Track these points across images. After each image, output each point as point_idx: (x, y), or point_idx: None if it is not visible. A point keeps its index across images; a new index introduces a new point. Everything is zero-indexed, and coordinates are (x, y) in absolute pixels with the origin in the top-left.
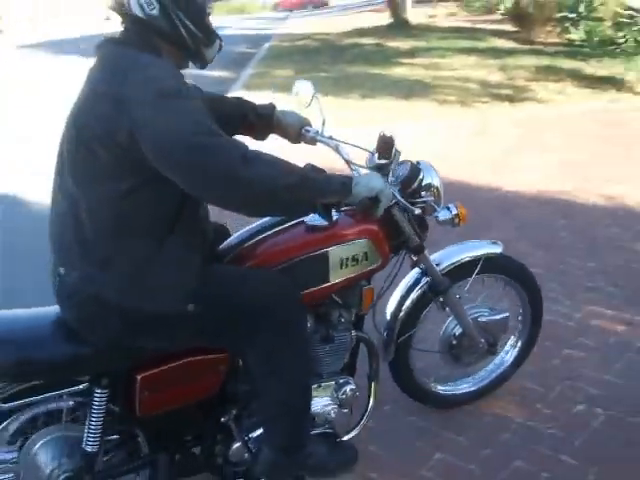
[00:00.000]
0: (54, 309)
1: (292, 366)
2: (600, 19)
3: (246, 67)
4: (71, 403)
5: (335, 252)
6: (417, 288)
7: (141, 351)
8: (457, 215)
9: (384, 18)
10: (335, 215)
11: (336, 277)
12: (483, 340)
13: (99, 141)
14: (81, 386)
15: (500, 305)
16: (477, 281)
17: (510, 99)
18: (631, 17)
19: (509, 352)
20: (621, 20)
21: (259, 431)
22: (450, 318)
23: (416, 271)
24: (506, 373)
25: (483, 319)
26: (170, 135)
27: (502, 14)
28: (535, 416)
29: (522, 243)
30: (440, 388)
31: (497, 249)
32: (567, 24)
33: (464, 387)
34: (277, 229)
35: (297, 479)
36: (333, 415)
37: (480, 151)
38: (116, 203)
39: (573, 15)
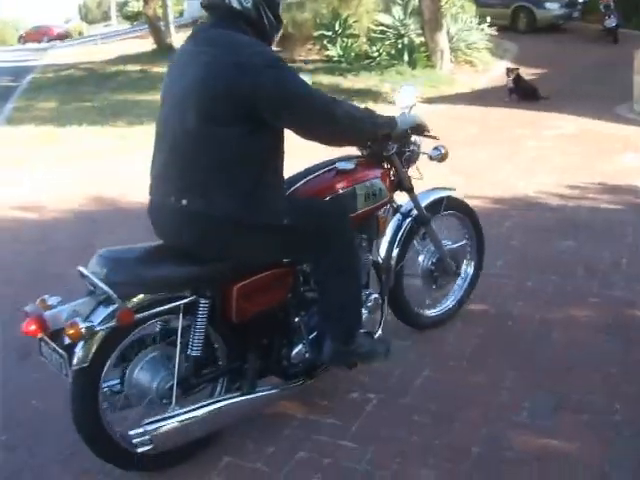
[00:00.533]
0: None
1: (353, 273)
2: (355, 35)
3: (8, 100)
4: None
5: (360, 188)
6: (405, 224)
7: (237, 265)
8: (444, 154)
9: (148, 44)
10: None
11: (362, 207)
12: (453, 263)
13: (222, 95)
14: (191, 298)
15: (457, 236)
16: (439, 218)
17: None
18: (383, 32)
19: (467, 274)
20: (374, 35)
21: (313, 335)
22: (425, 250)
23: (400, 213)
24: (467, 291)
25: (449, 247)
26: (284, 92)
27: None
28: (314, 409)
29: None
30: (429, 313)
31: (453, 191)
32: (325, 41)
33: (445, 307)
34: (318, 173)
35: (351, 366)
36: (365, 318)
37: None
38: (239, 141)
39: (330, 33)
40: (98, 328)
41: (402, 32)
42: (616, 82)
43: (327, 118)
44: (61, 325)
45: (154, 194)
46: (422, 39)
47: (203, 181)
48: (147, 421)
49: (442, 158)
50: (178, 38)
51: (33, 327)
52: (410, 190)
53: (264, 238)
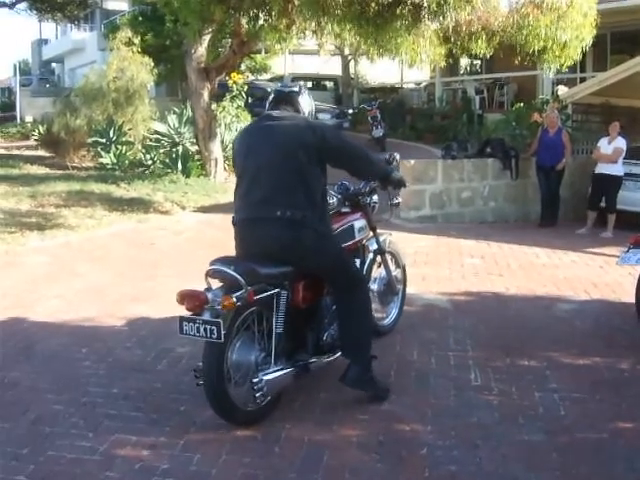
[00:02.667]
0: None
1: (367, 313)
2: (130, 143)
3: None
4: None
5: (355, 224)
6: (370, 255)
7: (303, 267)
8: (400, 202)
9: None
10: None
11: (358, 237)
12: (396, 285)
13: (302, 145)
14: (277, 290)
15: (392, 266)
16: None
17: (40, 227)
18: (158, 140)
19: (399, 292)
20: (149, 144)
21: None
22: (377, 276)
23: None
24: (401, 305)
25: (392, 273)
26: (339, 145)
27: (36, 140)
28: None
29: (44, 379)
30: (383, 323)
31: (389, 235)
32: (99, 148)
33: (392, 316)
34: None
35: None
36: None
37: (5, 285)
38: (317, 175)
39: (104, 140)
40: (238, 303)
41: (177, 140)
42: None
43: (364, 162)
44: (210, 302)
45: (253, 213)
46: (197, 147)
47: (300, 200)
48: (262, 373)
49: (398, 205)
50: None
51: (197, 303)
52: (374, 229)
53: (326, 243)
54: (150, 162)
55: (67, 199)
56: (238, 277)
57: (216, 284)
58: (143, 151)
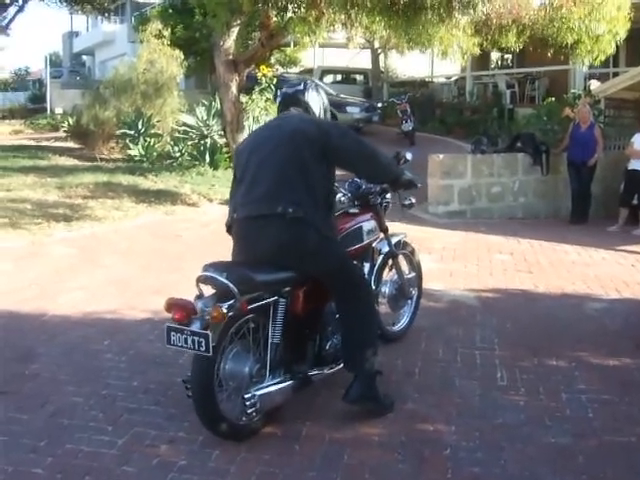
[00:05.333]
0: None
1: (371, 324)
2: (159, 135)
3: None
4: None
5: (364, 225)
6: (380, 257)
7: (304, 272)
8: (413, 203)
9: None
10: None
11: (365, 240)
12: (410, 289)
13: (306, 143)
14: (274, 298)
15: (407, 269)
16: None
17: (66, 218)
18: (186, 133)
19: (413, 296)
20: (177, 136)
21: (339, 335)
22: (389, 280)
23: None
24: (415, 311)
25: (406, 277)
26: (345, 143)
27: (65, 132)
28: None
29: (65, 371)
30: (393, 329)
31: (404, 236)
32: (127, 140)
33: (403, 323)
34: (336, 215)
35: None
36: None
37: (29, 275)
38: (321, 172)
39: (132, 132)
40: (229, 314)
41: (205, 133)
42: None
43: (372, 164)
44: (198, 312)
45: (255, 211)
46: (225, 140)
47: (302, 198)
48: (254, 388)
49: (411, 206)
50: None
51: (185, 313)
52: (386, 231)
53: (328, 246)
54: (178, 154)
55: (94, 190)
56: (230, 285)
57: (209, 290)
58: (171, 143)
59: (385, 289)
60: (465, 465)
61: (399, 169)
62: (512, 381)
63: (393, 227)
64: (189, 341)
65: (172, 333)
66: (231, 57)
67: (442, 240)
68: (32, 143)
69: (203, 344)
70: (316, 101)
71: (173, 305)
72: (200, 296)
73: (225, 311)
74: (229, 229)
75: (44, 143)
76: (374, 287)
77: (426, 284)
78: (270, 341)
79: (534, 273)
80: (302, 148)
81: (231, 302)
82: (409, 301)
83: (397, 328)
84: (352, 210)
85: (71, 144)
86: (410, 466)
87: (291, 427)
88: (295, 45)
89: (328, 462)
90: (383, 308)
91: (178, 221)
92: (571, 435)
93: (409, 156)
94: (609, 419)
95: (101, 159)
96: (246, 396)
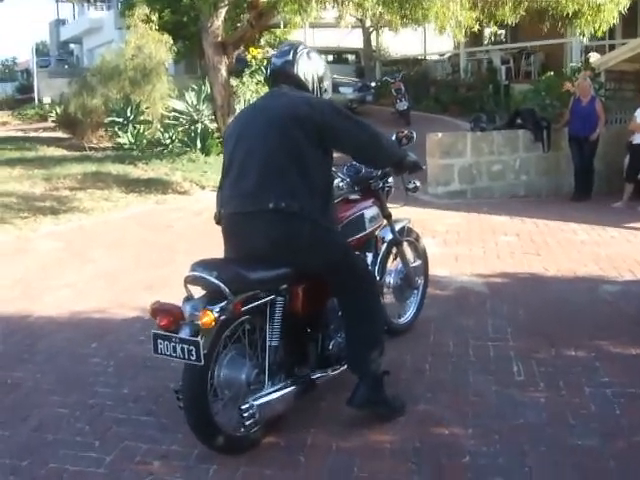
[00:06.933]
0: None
1: (375, 321)
2: (148, 122)
3: None
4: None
5: (366, 212)
6: (384, 246)
7: (304, 268)
8: (418, 186)
9: None
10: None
11: (368, 228)
12: (415, 279)
13: (297, 125)
14: (271, 297)
15: (412, 257)
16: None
17: (53, 211)
18: (176, 118)
19: (419, 286)
20: (167, 122)
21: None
22: (393, 270)
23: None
24: (421, 301)
25: (411, 265)
26: (342, 123)
27: (53, 121)
28: None
29: (49, 379)
30: (399, 321)
31: (409, 222)
32: (116, 128)
33: (409, 315)
34: (335, 202)
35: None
36: None
37: (14, 273)
38: (317, 158)
39: (121, 119)
40: (221, 317)
41: (196, 118)
42: None
43: (372, 146)
44: (187, 317)
45: (243, 207)
46: (216, 125)
47: (296, 188)
48: (252, 397)
49: (416, 190)
50: None
51: (171, 319)
52: (389, 217)
53: (328, 239)
54: (168, 141)
55: (83, 181)
56: (221, 285)
57: (200, 291)
58: (161, 130)
59: (390, 279)
60: (487, 474)
61: (402, 151)
62: (530, 375)
63: (396, 211)
64: (178, 349)
65: (159, 341)
66: (219, 39)
67: (444, 222)
68: (19, 134)
69: (193, 352)
70: (309, 72)
71: (158, 311)
72: (189, 298)
73: (216, 315)
74: (219, 222)
75: (32, 134)
76: (378, 278)
77: (431, 270)
78: (268, 344)
79: (542, 255)
80: (293, 132)
81: (223, 304)
82: (415, 291)
83: (404, 320)
84: (352, 196)
85: (60, 134)
86: (426, 476)
87: (295, 436)
88: (285, 26)
89: (336, 475)
90: (388, 299)
91: (169, 210)
92: (599, 435)
93: (414, 134)
94: (638, 416)
95: (90, 148)
96: (243, 407)
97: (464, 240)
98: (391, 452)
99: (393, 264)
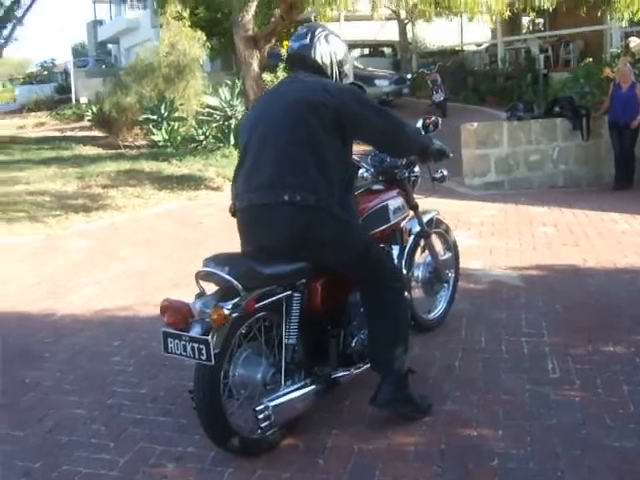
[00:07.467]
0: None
1: (399, 319)
2: (182, 119)
3: None
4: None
5: (390, 203)
6: (411, 238)
7: (322, 263)
8: (445, 176)
9: None
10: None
11: (392, 220)
12: (446, 272)
13: (314, 113)
14: (287, 293)
15: (441, 249)
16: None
17: (85, 209)
18: (210, 115)
19: (449, 280)
20: (202, 118)
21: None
22: (422, 263)
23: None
24: (452, 295)
25: (441, 258)
26: (363, 110)
27: (89, 120)
28: None
29: (68, 379)
30: (430, 316)
31: (437, 213)
32: (150, 125)
33: (440, 309)
34: (357, 193)
35: (404, 415)
36: None
37: (43, 271)
38: (336, 148)
39: (155, 117)
40: (233, 315)
41: (229, 113)
42: None
43: (396, 135)
44: (196, 315)
45: (257, 199)
46: None
47: (313, 180)
48: (268, 398)
49: (443, 179)
50: (3, 125)
51: (180, 317)
52: (415, 208)
53: (347, 232)
54: (202, 137)
55: (115, 179)
56: (233, 281)
57: (213, 287)
58: (195, 126)
59: (418, 273)
60: (517, 478)
61: (427, 138)
62: (565, 373)
63: (427, 203)
64: (188, 348)
65: (169, 339)
66: (250, 33)
67: (480, 214)
68: (56, 134)
69: (204, 351)
70: (327, 56)
71: (167, 308)
72: (201, 294)
73: (227, 312)
74: (234, 214)
75: (69, 133)
76: (405, 272)
77: (464, 263)
78: (285, 342)
79: (581, 246)
80: (309, 119)
81: (235, 300)
82: (445, 285)
83: (433, 316)
84: (376, 187)
85: (96, 133)
86: None
87: (314, 438)
88: (316, 19)
89: (356, 479)
90: (417, 294)
91: (201, 206)
92: (638, 437)
93: (440, 121)
94: None
95: (125, 146)
96: (257, 408)
97: (500, 232)
98: (415, 455)
99: (421, 257)
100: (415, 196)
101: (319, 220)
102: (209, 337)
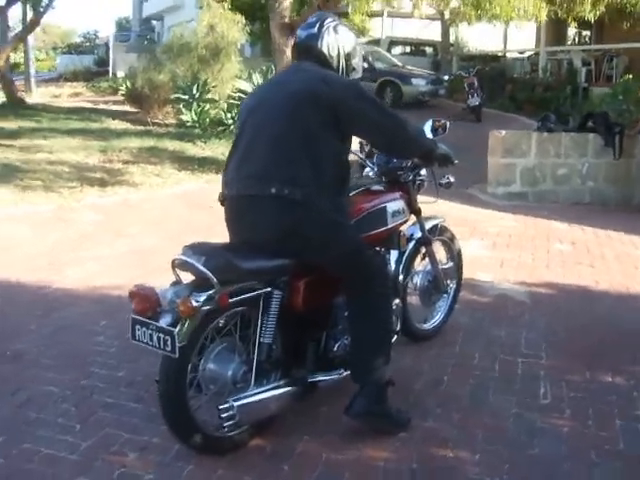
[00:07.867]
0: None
1: (383, 322)
2: (214, 101)
3: None
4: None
5: (389, 206)
6: (411, 244)
7: (307, 260)
8: (451, 182)
9: None
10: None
11: (390, 223)
12: (446, 282)
13: (313, 106)
14: (266, 290)
15: (444, 258)
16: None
17: (102, 183)
18: (240, 99)
19: (449, 291)
20: (232, 102)
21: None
22: (421, 270)
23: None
24: (451, 307)
25: (442, 267)
26: (361, 105)
27: (122, 95)
28: None
29: (50, 354)
30: (425, 326)
31: (443, 220)
32: (181, 105)
33: (436, 320)
34: (354, 193)
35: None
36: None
37: (46, 242)
38: (332, 144)
39: (186, 97)
40: (204, 308)
41: None
42: (473, 161)
43: (397, 134)
44: (166, 304)
45: (244, 190)
46: None
47: (303, 174)
48: (233, 397)
49: (449, 186)
50: (40, 92)
51: (147, 305)
52: (418, 213)
53: (335, 232)
54: (230, 121)
55: (138, 155)
56: (208, 273)
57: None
58: (224, 109)
59: (416, 281)
60: None
61: (430, 142)
62: (557, 399)
63: (445, 208)
64: (154, 338)
65: (137, 327)
66: (286, 19)
67: (498, 224)
68: (89, 106)
69: (169, 343)
70: (335, 47)
71: (135, 294)
72: (176, 283)
73: (196, 304)
74: (222, 203)
75: (101, 106)
76: (402, 278)
77: (472, 274)
78: (260, 340)
79: (596, 267)
80: (306, 110)
81: (208, 293)
82: (445, 295)
83: (429, 325)
84: (376, 187)
85: (127, 108)
86: None
87: (284, 442)
88: (346, 13)
89: None
90: (413, 302)
91: (218, 190)
92: (622, 477)
93: (448, 124)
94: None
95: (154, 123)
96: (221, 407)
97: (514, 245)
98: (384, 471)
99: (421, 264)
100: (423, 200)
101: (305, 216)
102: (175, 329)
